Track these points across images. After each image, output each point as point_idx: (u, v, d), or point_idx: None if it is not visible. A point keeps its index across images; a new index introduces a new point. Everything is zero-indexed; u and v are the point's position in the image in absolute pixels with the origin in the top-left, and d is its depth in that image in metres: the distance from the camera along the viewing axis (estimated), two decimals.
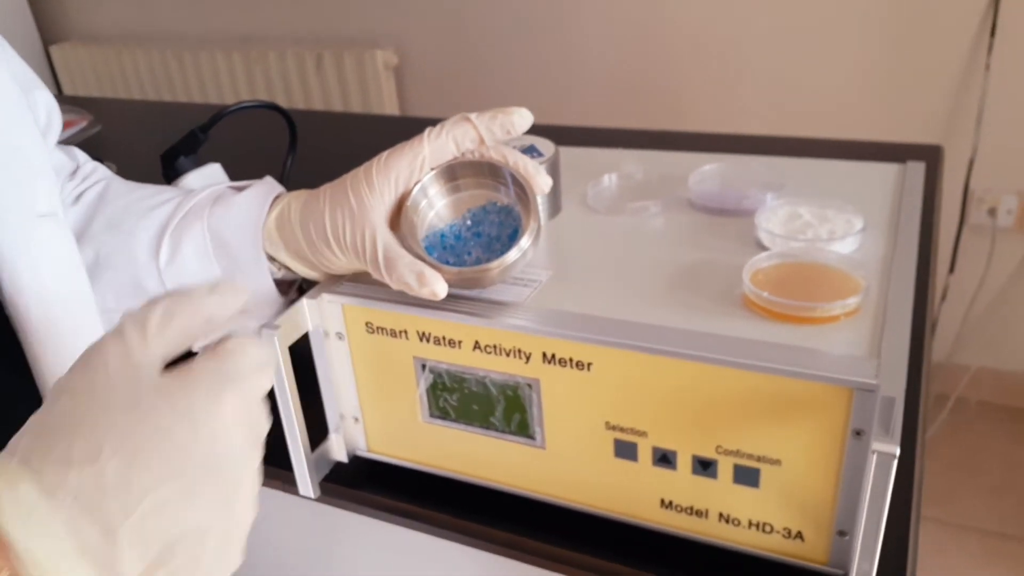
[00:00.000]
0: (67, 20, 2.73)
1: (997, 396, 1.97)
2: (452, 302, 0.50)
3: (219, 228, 0.55)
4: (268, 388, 0.35)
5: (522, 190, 0.51)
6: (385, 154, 0.51)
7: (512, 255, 0.49)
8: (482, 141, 0.51)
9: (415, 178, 0.51)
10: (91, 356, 0.31)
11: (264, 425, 0.35)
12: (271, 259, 0.55)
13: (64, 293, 0.45)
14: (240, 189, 0.58)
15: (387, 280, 0.49)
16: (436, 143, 0.51)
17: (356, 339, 0.54)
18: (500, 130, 0.51)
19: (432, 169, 0.52)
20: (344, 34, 2.28)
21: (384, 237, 0.50)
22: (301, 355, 0.53)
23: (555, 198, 0.62)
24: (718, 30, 1.87)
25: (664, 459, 0.47)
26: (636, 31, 1.95)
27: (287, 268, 0.56)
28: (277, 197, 0.56)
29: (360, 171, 0.52)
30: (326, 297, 0.53)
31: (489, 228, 0.52)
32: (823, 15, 1.79)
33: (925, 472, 0.56)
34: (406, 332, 0.52)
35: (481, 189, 0.53)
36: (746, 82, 1.89)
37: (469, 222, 0.53)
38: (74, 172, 0.63)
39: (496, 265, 0.49)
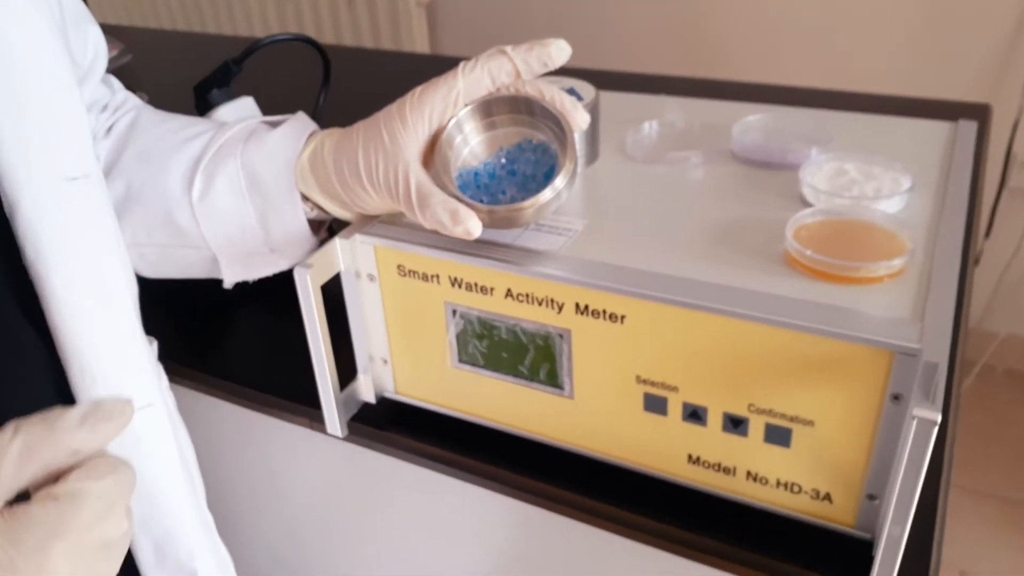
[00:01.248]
0: None
1: None
2: (485, 248, 0.49)
3: (253, 165, 0.54)
4: (116, 533, 0.33)
5: (559, 127, 0.50)
6: (419, 89, 0.50)
7: (546, 194, 0.48)
8: (518, 75, 0.50)
9: (449, 114, 0.50)
10: None
11: (108, 568, 0.33)
12: (304, 198, 0.55)
13: (92, 263, 0.42)
14: (274, 125, 0.57)
15: (420, 218, 0.48)
16: (471, 77, 0.49)
17: (387, 281, 0.53)
18: (537, 63, 0.49)
19: (467, 105, 0.50)
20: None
21: (417, 174, 0.49)
22: (332, 295, 0.53)
23: (593, 144, 0.61)
24: None
25: (694, 415, 0.47)
26: None
27: (320, 208, 0.55)
28: (311, 135, 0.55)
29: (393, 107, 0.51)
30: (359, 238, 0.52)
31: (524, 166, 0.51)
32: None
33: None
34: (438, 277, 0.51)
35: (517, 126, 0.52)
36: (793, 34, 1.84)
37: (504, 160, 0.52)
38: (106, 104, 0.61)
39: (530, 204, 0.48)
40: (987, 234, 1.85)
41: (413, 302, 0.53)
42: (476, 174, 0.51)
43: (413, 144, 0.49)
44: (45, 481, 0.32)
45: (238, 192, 0.54)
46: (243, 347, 0.70)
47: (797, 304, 0.42)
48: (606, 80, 0.68)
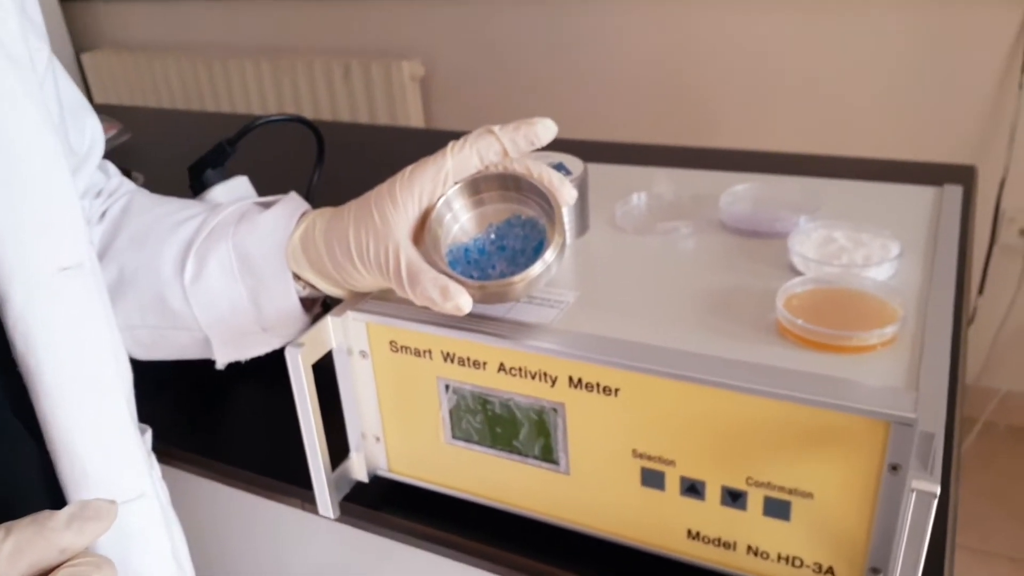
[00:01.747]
0: (99, 28, 2.76)
1: None
2: (477, 322, 0.49)
3: (244, 247, 0.55)
4: None
5: (547, 202, 0.50)
6: (409, 169, 0.51)
7: (536, 268, 0.48)
8: (506, 153, 0.50)
9: (439, 192, 0.51)
10: None
11: None
12: (296, 277, 0.55)
13: (84, 355, 0.42)
14: (266, 205, 0.58)
15: (410, 296, 0.49)
16: (460, 156, 0.50)
17: (380, 358, 0.53)
18: (524, 141, 0.50)
19: (456, 183, 0.51)
20: (371, 45, 2.29)
21: (407, 252, 0.49)
22: (323, 373, 0.53)
23: (583, 216, 0.62)
24: (750, 46, 1.86)
25: (692, 489, 0.46)
26: (667, 45, 1.94)
27: (312, 286, 0.56)
28: (303, 215, 0.56)
29: (384, 187, 0.51)
30: (351, 315, 0.52)
31: (514, 242, 0.52)
32: (856, 32, 1.77)
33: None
34: (430, 352, 0.51)
35: (506, 203, 0.52)
36: (778, 99, 1.88)
37: (493, 236, 0.52)
38: (100, 190, 0.62)
39: (520, 279, 0.48)
40: (980, 291, 1.86)
41: (406, 378, 0.53)
42: (466, 250, 0.51)
43: (403, 223, 0.50)
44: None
45: (230, 274, 0.55)
46: (234, 426, 0.70)
47: (790, 375, 0.42)
48: (595, 151, 0.69)
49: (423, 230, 0.51)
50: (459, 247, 0.52)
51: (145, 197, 0.61)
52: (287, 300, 0.55)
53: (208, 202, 0.62)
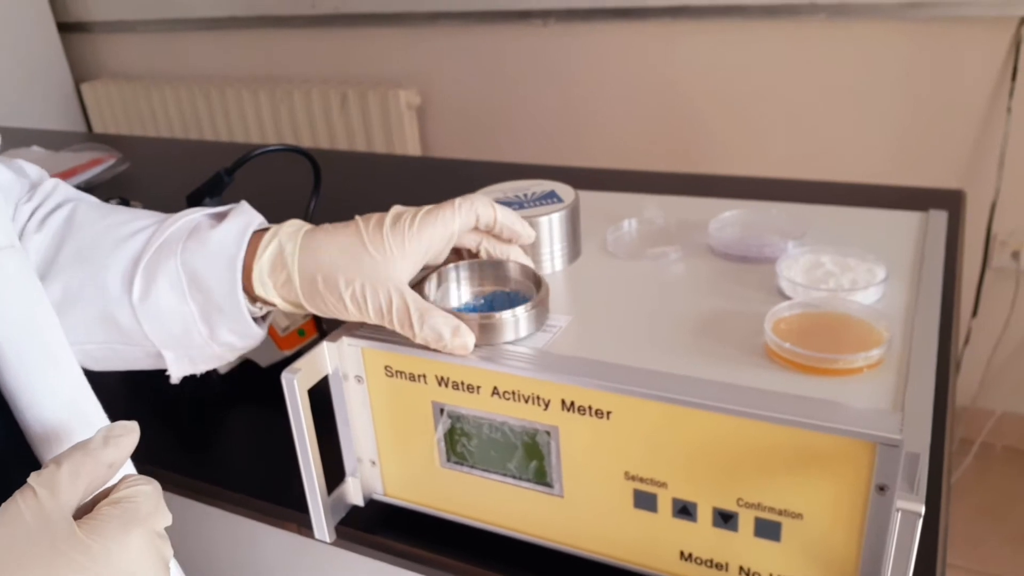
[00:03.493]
0: (98, 58, 2.79)
1: (1023, 442, 1.93)
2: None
3: (193, 265, 0.53)
4: (167, 522, 0.39)
5: (528, 278, 0.55)
6: (416, 219, 0.52)
7: (526, 307, 0.51)
8: (495, 222, 0.55)
9: (444, 251, 0.55)
10: (6, 514, 0.35)
11: (168, 551, 0.39)
12: (253, 299, 0.54)
13: (34, 323, 0.45)
14: (219, 218, 0.56)
15: (415, 331, 0.50)
16: (464, 217, 0.54)
17: (375, 382, 0.54)
18: (510, 224, 0.56)
19: (455, 265, 0.56)
20: (368, 74, 2.32)
21: (410, 294, 0.51)
22: (319, 398, 0.53)
23: (575, 242, 0.63)
24: (740, 74, 1.89)
25: (684, 511, 0.47)
26: (657, 72, 1.96)
27: (269, 304, 0.55)
28: (258, 232, 0.55)
29: (382, 229, 0.52)
30: (346, 340, 0.53)
31: (501, 303, 0.55)
32: (845, 58, 1.80)
33: (950, 519, 0.55)
34: (425, 376, 0.52)
35: (495, 284, 0.57)
36: (768, 125, 1.90)
37: (482, 301, 0.56)
38: (31, 191, 0.59)
39: (511, 313, 0.51)
40: (974, 313, 1.87)
41: (401, 402, 0.53)
42: (457, 308, 0.55)
43: (407, 270, 0.52)
44: (95, 498, 0.38)
45: (179, 292, 0.54)
46: (230, 449, 0.70)
47: (779, 397, 0.43)
48: (586, 178, 0.70)
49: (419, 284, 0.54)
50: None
51: (91, 208, 0.59)
52: (239, 321, 0.54)
53: (157, 215, 0.58)
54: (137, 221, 0.56)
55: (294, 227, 0.55)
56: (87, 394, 0.48)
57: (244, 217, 0.55)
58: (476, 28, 2.11)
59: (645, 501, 0.48)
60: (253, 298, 0.54)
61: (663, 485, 0.47)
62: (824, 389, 0.43)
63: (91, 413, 0.48)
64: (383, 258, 0.51)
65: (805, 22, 1.79)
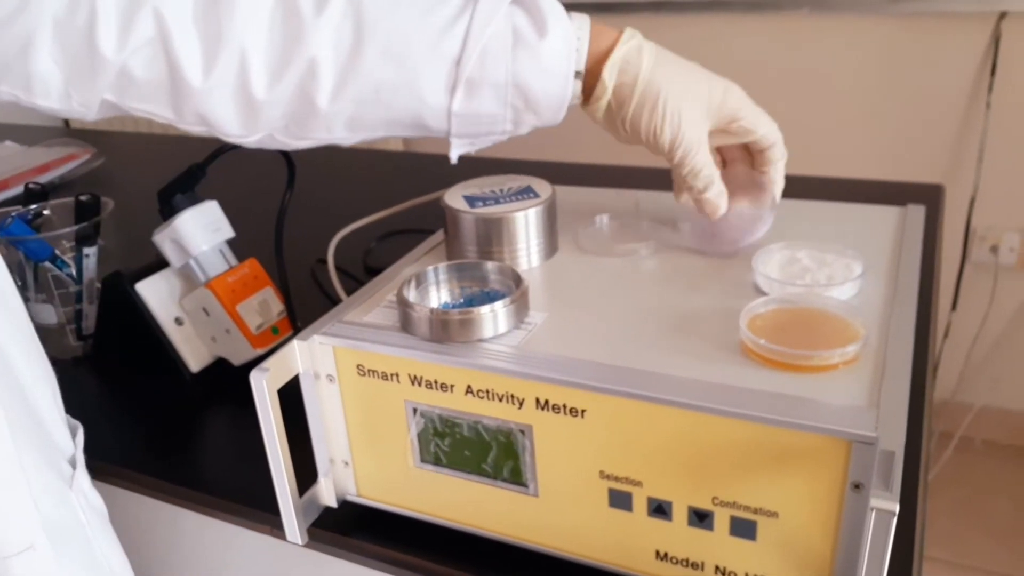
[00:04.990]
0: None
1: (1002, 435, 1.94)
2: (444, 346, 0.49)
3: (525, 79, 0.52)
4: None
5: (507, 277, 0.54)
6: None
7: (499, 305, 0.50)
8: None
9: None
10: None
11: None
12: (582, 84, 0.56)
13: None
14: (532, 15, 0.53)
15: (690, 169, 0.57)
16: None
17: (347, 382, 0.53)
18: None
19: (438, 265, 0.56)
20: None
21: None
22: (291, 395, 0.52)
23: (551, 239, 0.62)
24: (722, 67, 1.88)
25: (659, 510, 0.46)
26: None
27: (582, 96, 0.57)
28: (592, 31, 0.55)
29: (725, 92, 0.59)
30: (317, 339, 0.52)
31: (481, 301, 0.54)
32: (824, 53, 1.80)
33: (931, 512, 0.55)
34: (397, 375, 0.51)
35: (476, 285, 0.56)
36: None
37: (462, 299, 0.56)
38: None
39: (490, 308, 0.50)
40: (954, 307, 1.88)
41: (373, 402, 0.52)
42: (445, 305, 0.55)
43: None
44: None
45: (502, 102, 0.53)
46: (201, 451, 0.69)
47: (753, 395, 0.42)
48: (567, 173, 0.70)
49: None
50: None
51: None
52: (554, 119, 0.56)
53: None
54: (442, 9, 0.51)
55: (646, 46, 0.57)
56: (11, 484, 0.44)
57: (565, 25, 0.53)
58: None
59: (620, 500, 0.47)
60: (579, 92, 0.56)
61: (638, 484, 0.46)
62: (800, 386, 0.43)
63: (10, 506, 0.44)
64: (718, 109, 0.57)
65: (788, 16, 1.80)
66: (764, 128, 0.59)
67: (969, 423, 1.91)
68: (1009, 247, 1.80)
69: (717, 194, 0.58)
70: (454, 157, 0.58)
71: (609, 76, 0.55)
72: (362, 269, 0.95)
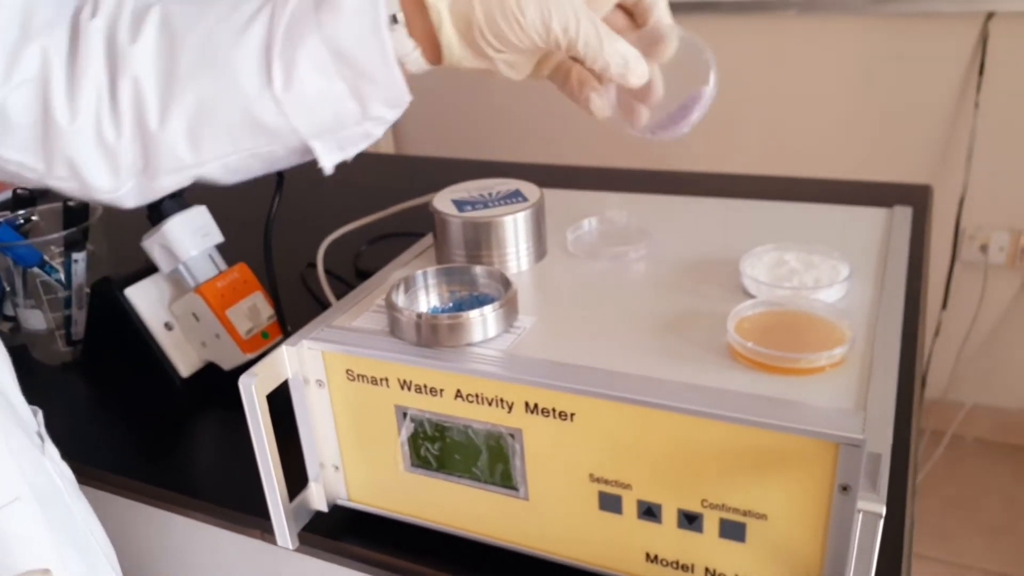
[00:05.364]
0: None
1: (993, 433, 1.95)
2: (433, 350, 0.49)
3: (335, 37, 0.48)
4: None
5: (496, 281, 0.54)
6: None
7: (488, 309, 0.50)
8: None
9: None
10: None
11: None
12: (408, 31, 0.50)
13: None
14: None
15: (596, 48, 0.48)
16: None
17: (336, 387, 0.53)
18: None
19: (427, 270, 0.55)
20: None
21: (595, 16, 0.48)
22: (281, 400, 0.52)
23: (540, 242, 0.62)
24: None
25: (649, 512, 0.46)
26: None
27: (422, 47, 0.50)
28: None
29: None
30: (306, 344, 0.52)
31: (470, 304, 0.54)
32: (813, 53, 1.80)
33: (921, 511, 0.55)
34: (387, 380, 0.51)
35: (466, 289, 0.56)
36: (736, 122, 1.91)
37: (450, 304, 0.55)
38: (92, 5, 0.52)
39: (478, 313, 0.50)
40: (944, 306, 1.89)
41: (363, 406, 0.52)
42: (434, 310, 0.55)
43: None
44: None
45: (324, 72, 0.49)
46: (192, 455, 0.69)
47: (741, 397, 0.42)
48: (556, 175, 0.70)
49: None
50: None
51: (180, 5, 0.52)
52: (392, 86, 0.50)
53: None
54: (245, 6, 0.50)
55: None
56: None
57: None
58: None
59: (610, 503, 0.47)
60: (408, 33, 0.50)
61: (628, 487, 0.46)
62: (787, 388, 0.43)
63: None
64: None
65: (777, 17, 1.80)
66: None
67: (960, 421, 1.92)
68: (999, 246, 1.81)
69: (636, 59, 0.49)
70: (327, 167, 0.54)
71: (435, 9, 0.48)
72: (352, 273, 0.95)
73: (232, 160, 0.53)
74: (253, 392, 0.49)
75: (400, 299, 0.53)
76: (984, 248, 1.82)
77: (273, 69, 0.49)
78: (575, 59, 0.51)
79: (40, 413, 0.54)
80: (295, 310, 0.79)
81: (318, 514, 0.57)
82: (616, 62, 0.48)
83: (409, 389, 0.50)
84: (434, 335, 0.50)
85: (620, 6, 0.53)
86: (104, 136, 0.51)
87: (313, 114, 0.50)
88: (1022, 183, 1.75)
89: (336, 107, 0.50)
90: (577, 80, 0.53)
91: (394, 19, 0.49)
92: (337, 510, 0.57)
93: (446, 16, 0.49)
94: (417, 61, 0.51)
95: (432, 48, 0.51)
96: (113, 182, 0.53)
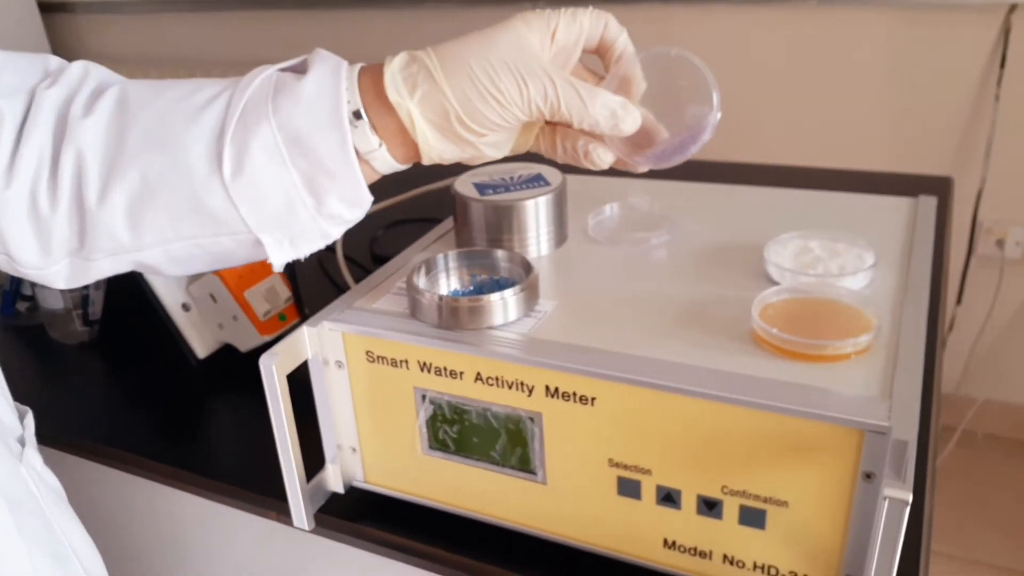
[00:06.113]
0: (81, 41, 2.75)
1: (1005, 429, 1.94)
2: (453, 333, 0.49)
3: (291, 124, 0.46)
4: None
5: (517, 264, 0.54)
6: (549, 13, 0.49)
7: (509, 292, 0.50)
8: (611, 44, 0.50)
9: (573, 53, 0.50)
10: None
11: None
12: (358, 154, 0.47)
13: None
14: (294, 70, 0.49)
15: (582, 109, 0.46)
16: (593, 19, 0.50)
17: (356, 368, 0.53)
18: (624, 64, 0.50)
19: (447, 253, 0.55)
20: (357, 57, 2.29)
21: (569, 75, 0.47)
22: (299, 382, 0.52)
23: (561, 227, 0.62)
24: (730, 58, 1.88)
25: (668, 498, 0.46)
26: None
27: (387, 143, 0.48)
28: (359, 72, 0.48)
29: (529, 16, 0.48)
30: (326, 325, 0.52)
31: (491, 288, 0.54)
32: (834, 45, 1.79)
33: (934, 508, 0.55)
34: (407, 362, 0.51)
35: (485, 272, 0.56)
36: (759, 111, 1.89)
37: (471, 288, 0.55)
38: (48, 77, 0.50)
39: (499, 296, 0.50)
40: (959, 301, 1.87)
41: (382, 388, 0.52)
42: (455, 292, 0.55)
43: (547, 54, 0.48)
44: None
45: (278, 160, 0.46)
46: (209, 437, 0.69)
47: (765, 383, 0.42)
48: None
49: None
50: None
51: (142, 86, 0.50)
52: (350, 182, 0.47)
53: (222, 81, 0.49)
54: (204, 90, 0.48)
55: (403, 56, 0.48)
56: None
57: (330, 61, 0.48)
58: (465, 12, 2.09)
59: (629, 488, 0.47)
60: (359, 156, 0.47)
61: (647, 472, 0.46)
62: (812, 375, 0.43)
63: None
64: (540, 42, 0.47)
65: (797, 8, 1.79)
66: (611, 22, 0.50)
67: (972, 417, 1.91)
68: (1015, 241, 1.79)
69: (623, 107, 0.47)
70: (276, 264, 0.49)
71: (395, 89, 0.46)
72: (369, 258, 0.95)
73: (175, 248, 0.49)
74: (274, 371, 0.49)
75: (421, 281, 0.53)
76: (1001, 243, 1.81)
77: (224, 153, 0.46)
78: (558, 123, 0.49)
79: (30, 415, 0.53)
80: (312, 293, 0.79)
81: (334, 496, 0.57)
82: (604, 116, 0.46)
83: (429, 371, 0.50)
84: (455, 318, 0.50)
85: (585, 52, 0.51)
86: (38, 208, 0.47)
87: (263, 204, 0.47)
88: None
89: (288, 199, 0.47)
90: (568, 141, 0.50)
91: (357, 115, 0.47)
92: (353, 492, 0.57)
93: (416, 112, 0.46)
94: (384, 159, 0.48)
95: (406, 146, 0.48)
96: (41, 259, 0.49)
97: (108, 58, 2.68)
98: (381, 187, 0.53)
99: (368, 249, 0.97)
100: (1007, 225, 1.79)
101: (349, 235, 0.91)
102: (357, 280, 0.61)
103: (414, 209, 1.01)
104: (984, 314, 1.86)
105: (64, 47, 2.76)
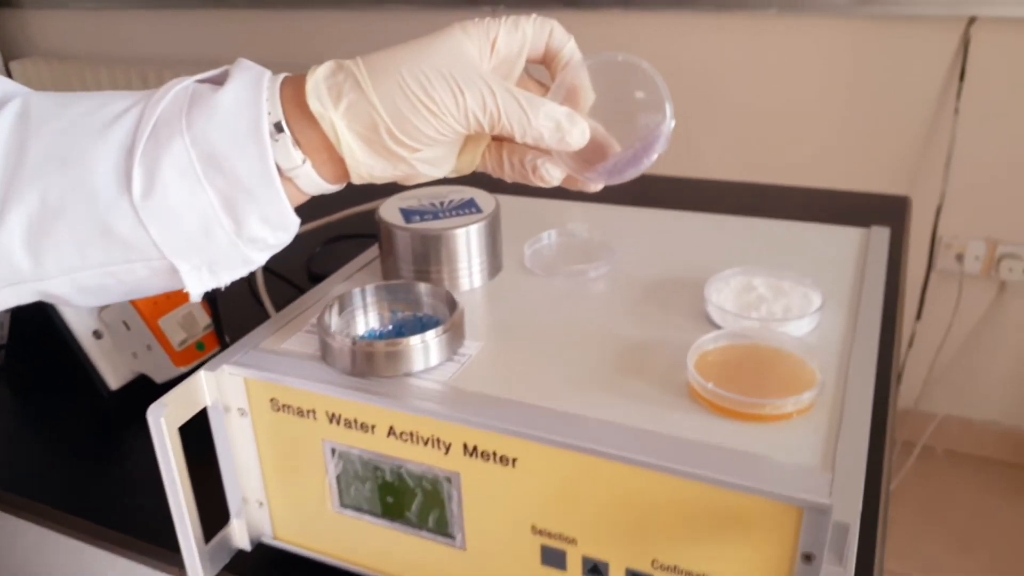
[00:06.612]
0: (28, 36, 2.66)
1: (964, 445, 1.94)
2: (367, 381, 0.45)
3: (206, 139, 0.42)
4: None
5: (441, 300, 0.50)
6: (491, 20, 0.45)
7: (431, 335, 0.46)
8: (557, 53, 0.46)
9: (516, 63, 0.46)
10: None
11: None
12: (280, 172, 0.43)
13: None
14: (214, 82, 0.44)
15: (525, 121, 0.42)
16: (538, 27, 0.46)
17: (260, 416, 0.48)
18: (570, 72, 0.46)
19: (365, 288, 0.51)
20: (310, 57, 2.24)
21: (510, 86, 0.43)
22: (201, 428, 0.47)
23: (494, 257, 0.58)
24: (686, 67, 1.85)
25: (595, 570, 0.42)
26: None
27: (315, 156, 0.44)
28: (281, 82, 0.44)
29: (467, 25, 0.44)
30: (227, 369, 0.47)
31: (412, 329, 0.50)
32: (790, 58, 1.77)
33: (891, 523, 0.51)
34: (314, 412, 0.46)
35: (408, 310, 0.52)
36: (710, 123, 1.87)
37: (389, 327, 0.51)
38: None
39: (420, 338, 0.46)
40: (918, 316, 1.86)
41: (289, 439, 0.48)
42: (361, 336, 0.50)
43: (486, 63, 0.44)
44: None
45: (191, 179, 0.42)
46: (114, 480, 0.64)
47: (699, 448, 0.38)
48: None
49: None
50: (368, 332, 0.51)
51: (46, 98, 0.45)
52: (272, 202, 0.43)
53: (134, 93, 0.44)
54: (114, 104, 0.44)
55: (329, 65, 0.44)
56: None
57: (251, 72, 0.44)
58: (422, 14, 2.04)
59: (553, 558, 0.43)
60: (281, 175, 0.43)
61: (572, 541, 0.42)
62: (749, 437, 0.39)
63: None
64: (479, 52, 0.43)
65: (756, 17, 1.76)
66: (557, 29, 0.46)
67: (931, 432, 1.90)
68: (975, 255, 1.78)
69: (568, 118, 0.43)
70: (194, 294, 0.45)
71: (318, 99, 0.42)
72: (305, 277, 0.90)
73: (83, 277, 0.44)
74: (163, 425, 0.44)
75: (333, 321, 0.48)
76: (960, 257, 1.80)
77: (134, 172, 0.42)
78: (501, 137, 0.45)
79: None
80: (238, 318, 0.74)
81: (240, 552, 0.52)
82: (548, 128, 0.42)
83: (338, 423, 0.46)
84: (369, 364, 0.45)
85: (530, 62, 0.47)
86: None
87: (176, 227, 0.43)
88: (1000, 192, 1.72)
89: (205, 221, 0.42)
90: (515, 157, 0.47)
91: (279, 128, 0.42)
92: (261, 548, 0.52)
93: (341, 124, 0.42)
94: (310, 177, 0.44)
95: (333, 163, 0.44)
96: None
97: (57, 55, 2.59)
98: (320, 202, 0.48)
99: (305, 267, 0.92)
100: (966, 240, 1.79)
101: (283, 252, 0.85)
102: (288, 302, 0.56)
103: (355, 225, 0.97)
104: (944, 329, 1.85)
105: (9, 43, 2.67)
